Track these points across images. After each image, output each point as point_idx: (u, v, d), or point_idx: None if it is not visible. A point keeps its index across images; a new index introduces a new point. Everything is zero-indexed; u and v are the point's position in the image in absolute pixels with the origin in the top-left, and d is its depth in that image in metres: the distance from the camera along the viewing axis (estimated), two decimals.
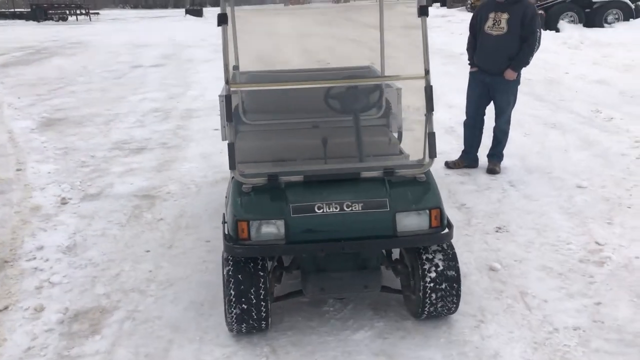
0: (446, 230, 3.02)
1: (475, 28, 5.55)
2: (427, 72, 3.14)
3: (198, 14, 36.56)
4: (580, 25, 17.85)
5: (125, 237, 4.47)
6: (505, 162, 5.73)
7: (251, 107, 4.28)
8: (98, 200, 5.26)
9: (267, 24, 25.60)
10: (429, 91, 3.10)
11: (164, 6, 79.92)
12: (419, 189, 3.08)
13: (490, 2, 5.45)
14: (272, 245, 2.91)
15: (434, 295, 3.05)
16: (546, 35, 15.89)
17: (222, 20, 3.02)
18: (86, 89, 11.26)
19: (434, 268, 3.05)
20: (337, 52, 14.72)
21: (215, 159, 6.39)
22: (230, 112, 3.03)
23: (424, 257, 3.08)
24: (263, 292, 2.99)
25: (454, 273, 3.07)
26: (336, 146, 3.69)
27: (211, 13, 40.08)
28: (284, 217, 2.92)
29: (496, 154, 5.68)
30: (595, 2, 18.28)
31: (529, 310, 3.29)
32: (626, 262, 3.79)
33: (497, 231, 4.34)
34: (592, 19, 17.94)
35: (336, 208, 2.94)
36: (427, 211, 2.98)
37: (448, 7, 33.36)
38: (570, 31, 17.18)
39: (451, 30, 20.96)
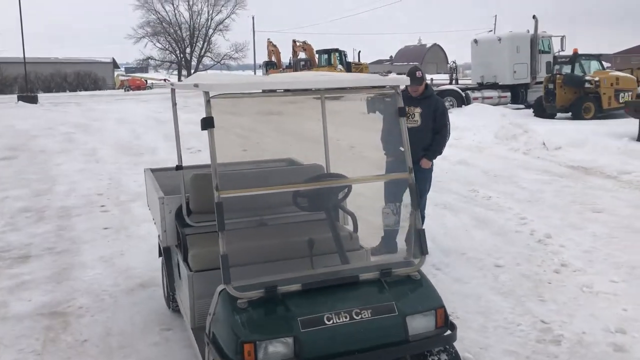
0: (450, 330, 2.98)
1: (388, 120, 5.82)
2: (410, 170, 3.19)
3: (33, 100, 34.16)
4: None
5: None
6: None
7: (196, 207, 4.00)
8: None
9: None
10: (414, 188, 3.14)
11: None
12: (419, 289, 3.04)
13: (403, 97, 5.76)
14: None
15: None
16: None
17: (208, 124, 2.84)
18: None
19: None
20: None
21: (119, 263, 5.83)
22: (223, 221, 2.80)
23: None
24: None
25: None
26: (315, 245, 3.52)
27: (46, 99, 37.79)
28: (293, 333, 2.69)
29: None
30: None
31: None
32: (578, 338, 4.02)
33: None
34: None
35: (346, 317, 2.78)
36: (434, 311, 2.93)
37: None
38: None
39: (309, 116, 21.88)
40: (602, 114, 17.29)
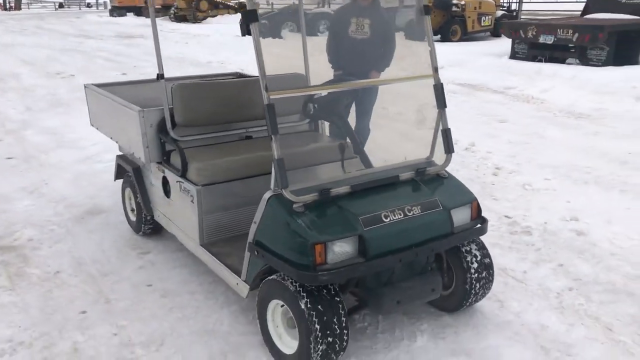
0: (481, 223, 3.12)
1: (336, 32, 5.72)
2: (435, 69, 3.20)
3: None
4: (299, 34, 19.46)
5: (31, 303, 3.41)
6: None
7: (182, 119, 3.70)
8: None
9: None
10: (440, 88, 3.16)
11: None
12: (451, 185, 3.13)
13: (350, 7, 5.66)
14: (353, 265, 2.62)
15: (477, 285, 3.14)
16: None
17: (251, 17, 2.60)
18: None
19: (474, 259, 3.14)
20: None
21: (49, 193, 5.28)
22: (276, 124, 2.63)
23: (464, 251, 3.14)
24: (345, 320, 2.67)
25: (488, 260, 3.20)
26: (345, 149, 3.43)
27: None
28: (357, 232, 2.66)
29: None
30: (307, 14, 20.16)
31: (524, 282, 3.63)
32: (543, 228, 4.41)
33: None
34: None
35: (400, 214, 2.80)
36: (470, 204, 3.05)
37: (146, 17, 32.82)
38: (290, 39, 18.60)
39: (175, 39, 20.74)
40: (466, 36, 18.37)
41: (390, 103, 5.67)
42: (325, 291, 2.67)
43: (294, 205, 2.68)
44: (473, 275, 3.11)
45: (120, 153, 4.50)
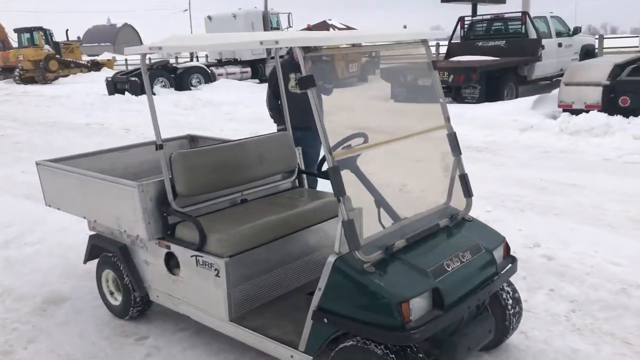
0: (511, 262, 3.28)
1: (275, 89, 5.75)
2: (447, 119, 3.37)
3: None
4: (172, 89, 19.11)
5: None
6: None
7: (185, 189, 3.50)
8: None
9: None
10: (453, 137, 3.33)
11: None
12: (480, 228, 3.27)
13: (287, 64, 5.73)
14: (436, 319, 2.64)
15: (514, 320, 3.29)
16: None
17: (308, 83, 2.61)
18: None
19: (508, 295, 3.29)
20: None
21: None
22: (343, 185, 2.62)
23: (499, 289, 3.28)
24: None
25: (517, 294, 3.37)
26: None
27: None
28: (432, 285, 2.69)
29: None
30: (178, 68, 19.93)
31: (531, 311, 3.84)
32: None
33: None
34: (180, 82, 19.48)
35: (457, 262, 2.88)
36: (502, 244, 3.21)
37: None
38: (165, 95, 18.24)
39: (34, 102, 19.37)
40: (338, 81, 19.31)
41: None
42: (409, 350, 2.65)
43: (365, 266, 2.65)
44: (510, 311, 3.25)
45: (92, 232, 4.10)
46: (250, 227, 3.36)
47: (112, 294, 4.02)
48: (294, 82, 5.64)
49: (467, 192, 3.32)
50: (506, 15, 14.87)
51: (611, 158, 8.01)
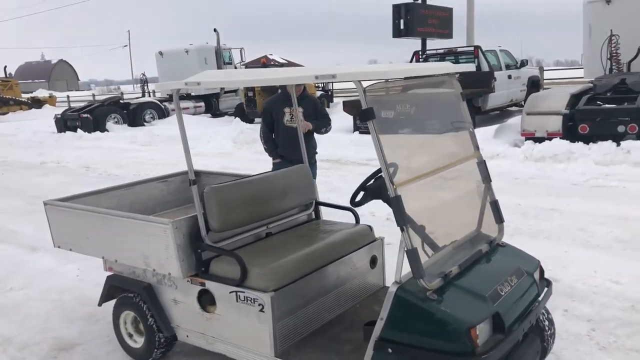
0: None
1: (270, 123, 5.77)
2: (477, 148, 3.47)
3: None
4: (125, 125, 18.75)
5: None
6: None
7: (219, 224, 3.44)
8: None
9: None
10: (483, 165, 3.44)
11: None
12: (515, 252, 3.37)
13: (279, 99, 5.77)
14: (501, 343, 2.68)
15: (551, 341, 3.37)
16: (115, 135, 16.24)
17: (368, 115, 2.66)
18: None
19: (544, 317, 3.37)
20: None
21: None
22: (405, 215, 2.65)
23: None
24: None
25: (551, 316, 3.46)
26: None
27: None
28: (492, 310, 2.74)
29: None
30: (131, 104, 19.59)
31: None
32: None
33: None
34: (133, 118, 19.14)
35: (507, 286, 2.95)
36: (538, 267, 3.31)
37: None
38: (119, 131, 17.88)
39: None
40: None
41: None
42: None
43: (428, 293, 2.67)
44: (547, 332, 3.34)
45: (109, 273, 3.95)
46: (289, 260, 3.33)
47: (131, 336, 3.86)
48: (288, 116, 5.68)
49: (499, 218, 3.42)
50: (459, 49, 15.48)
51: (578, 182, 8.40)
